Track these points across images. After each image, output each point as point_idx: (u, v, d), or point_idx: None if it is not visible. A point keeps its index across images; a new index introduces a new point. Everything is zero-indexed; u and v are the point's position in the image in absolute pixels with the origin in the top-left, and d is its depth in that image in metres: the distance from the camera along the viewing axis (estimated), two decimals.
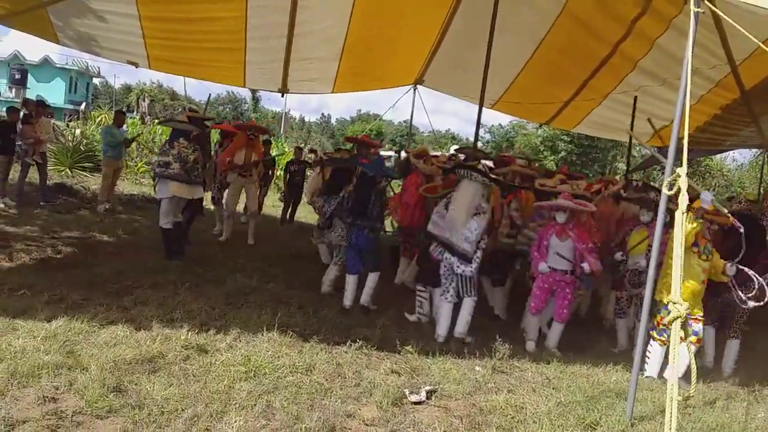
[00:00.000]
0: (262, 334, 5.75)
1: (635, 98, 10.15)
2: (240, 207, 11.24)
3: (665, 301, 5.71)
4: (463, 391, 5.18)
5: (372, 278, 7.41)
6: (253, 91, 48.17)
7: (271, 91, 11.36)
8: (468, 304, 6.66)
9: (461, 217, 6.59)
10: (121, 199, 13.04)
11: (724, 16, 4.63)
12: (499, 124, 37.00)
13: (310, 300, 7.31)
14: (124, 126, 13.27)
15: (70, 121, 23.14)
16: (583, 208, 6.94)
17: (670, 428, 2.65)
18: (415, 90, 12.59)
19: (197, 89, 62.81)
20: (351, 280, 7.34)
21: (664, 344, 6.08)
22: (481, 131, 29.55)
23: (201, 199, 9.29)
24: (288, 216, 13.55)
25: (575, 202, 6.85)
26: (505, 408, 4.90)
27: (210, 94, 16.00)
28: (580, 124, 12.85)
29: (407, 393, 4.94)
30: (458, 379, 5.43)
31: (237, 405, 4.33)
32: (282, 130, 38.45)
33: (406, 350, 5.89)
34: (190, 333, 5.54)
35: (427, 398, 4.95)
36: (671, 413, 2.66)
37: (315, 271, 8.62)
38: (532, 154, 24.28)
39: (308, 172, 13.10)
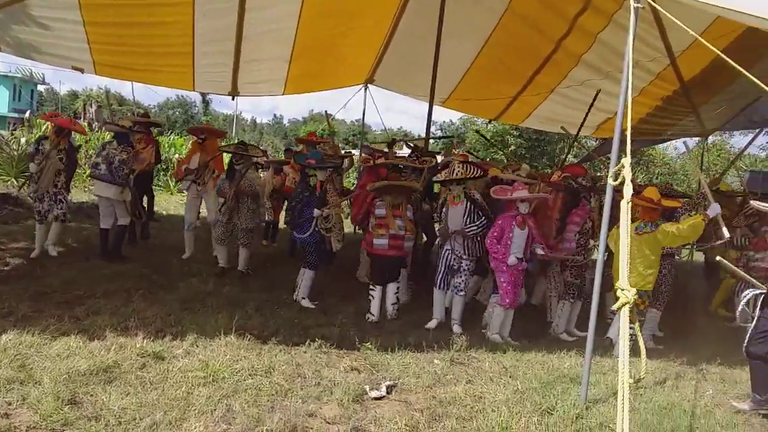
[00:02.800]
0: (220, 338, 5.72)
1: (597, 92, 10.39)
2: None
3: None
4: (422, 385, 5.26)
5: (306, 274, 7.49)
6: (203, 94, 47.55)
7: (221, 95, 11.26)
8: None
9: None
10: (70, 207, 12.68)
11: (663, 11, 4.79)
12: (450, 121, 37.41)
13: (268, 301, 7.30)
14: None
15: (14, 129, 22.46)
16: (545, 196, 7.30)
17: (623, 410, 2.76)
18: (366, 89, 12.64)
19: (146, 94, 61.81)
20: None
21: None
22: (433, 128, 29.76)
23: (149, 204, 9.24)
24: None
25: (531, 192, 7.03)
26: (464, 398, 4.99)
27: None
28: (528, 119, 13.12)
29: (368, 389, 4.99)
30: (417, 373, 5.51)
31: (196, 411, 4.30)
32: (233, 133, 38.03)
33: (366, 347, 5.94)
34: (145, 340, 5.47)
35: (388, 393, 5.01)
36: (623, 396, 2.77)
37: (271, 272, 8.60)
38: (482, 149, 24.56)
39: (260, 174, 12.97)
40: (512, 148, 26.02)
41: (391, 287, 7.29)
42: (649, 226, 6.51)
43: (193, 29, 8.62)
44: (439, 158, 9.70)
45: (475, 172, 7.27)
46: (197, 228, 9.62)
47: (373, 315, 7.18)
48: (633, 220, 6.42)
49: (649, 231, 6.47)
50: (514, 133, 25.99)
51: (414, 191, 7.43)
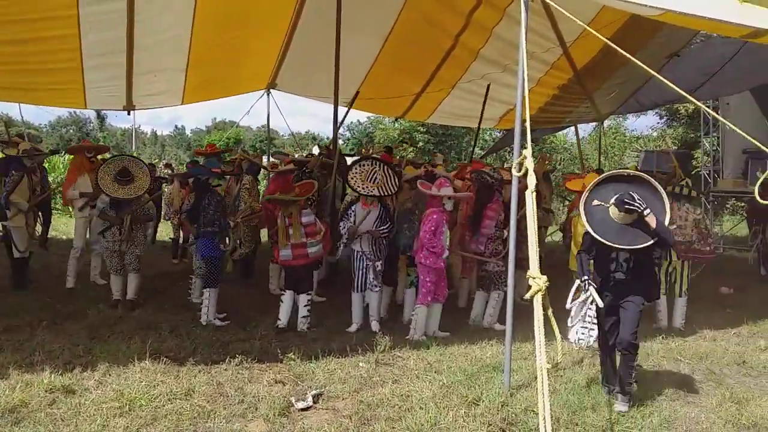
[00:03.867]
0: (134, 365, 5.47)
1: (488, 86, 10.63)
2: None
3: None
4: (349, 390, 5.21)
5: (211, 293, 7.23)
6: (98, 110, 45.49)
7: (116, 110, 10.76)
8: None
9: None
10: None
11: (552, 3, 4.93)
12: (358, 121, 37.42)
13: (183, 322, 7.04)
14: None
15: None
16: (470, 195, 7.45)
17: (543, 396, 2.80)
18: (268, 95, 12.45)
19: (36, 113, 58.51)
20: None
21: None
22: (342, 129, 29.72)
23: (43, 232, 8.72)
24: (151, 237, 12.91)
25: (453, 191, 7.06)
26: (391, 399, 4.98)
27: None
28: (433, 115, 13.31)
29: (293, 401, 4.90)
30: (343, 378, 5.45)
31: None
32: (133, 147, 36.64)
33: (289, 358, 5.82)
34: (53, 375, 5.17)
35: (314, 403, 4.93)
36: (542, 381, 2.81)
37: (184, 290, 8.30)
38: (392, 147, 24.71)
39: (165, 188, 12.52)
40: (420, 144, 26.34)
41: (302, 299, 7.07)
42: None
43: (80, 43, 8.18)
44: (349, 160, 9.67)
45: (392, 188, 7.33)
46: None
47: (281, 320, 6.99)
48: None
49: None
50: (421, 129, 26.31)
51: (294, 203, 7.04)
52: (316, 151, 12.71)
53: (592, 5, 7.01)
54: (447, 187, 6.89)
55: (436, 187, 6.87)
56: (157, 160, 21.18)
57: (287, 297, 7.07)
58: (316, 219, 7.22)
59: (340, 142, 11.16)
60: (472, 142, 27.29)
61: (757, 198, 4.17)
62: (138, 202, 7.71)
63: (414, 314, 6.94)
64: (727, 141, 15.57)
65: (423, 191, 7.01)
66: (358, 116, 38.55)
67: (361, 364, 5.86)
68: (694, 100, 5.43)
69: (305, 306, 7.06)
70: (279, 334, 6.76)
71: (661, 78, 4.90)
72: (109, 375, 5.31)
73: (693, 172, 16.50)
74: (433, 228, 6.70)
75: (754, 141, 4.64)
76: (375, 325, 7.08)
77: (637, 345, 5.02)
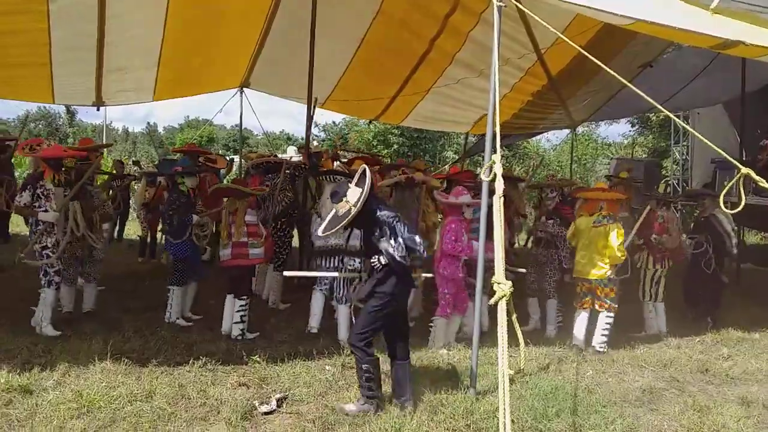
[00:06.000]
0: (94, 365, 5.35)
1: None
2: None
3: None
4: (314, 393, 5.15)
5: (175, 292, 7.15)
6: (67, 105, 44.74)
7: (85, 105, 10.58)
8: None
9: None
10: None
11: (526, 10, 4.94)
12: (333, 122, 37.29)
13: (148, 322, 6.92)
14: None
15: None
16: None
17: (504, 403, 2.79)
18: (242, 93, 12.35)
19: (2, 107, 57.34)
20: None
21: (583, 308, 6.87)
22: (315, 130, 29.64)
23: None
24: (116, 234, 12.71)
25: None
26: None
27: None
28: (407, 118, 13.29)
29: (257, 404, 4.83)
30: (309, 382, 5.38)
31: None
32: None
33: (254, 360, 5.74)
34: (10, 374, 5.05)
35: (278, 406, 4.86)
36: (503, 388, 2.80)
37: (152, 290, 8.17)
38: (366, 149, 24.72)
39: (134, 186, 12.32)
40: (395, 147, 26.37)
41: (236, 303, 6.70)
42: (607, 219, 6.78)
43: (49, 37, 8.02)
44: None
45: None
46: None
47: (223, 327, 6.78)
48: (591, 214, 6.87)
49: (606, 224, 6.73)
50: (396, 132, 26.34)
51: (248, 196, 6.83)
52: (291, 150, 12.62)
53: (566, 13, 7.06)
54: (465, 195, 6.80)
55: (455, 196, 6.79)
56: (126, 158, 20.84)
57: (228, 302, 6.79)
58: (259, 222, 7.00)
59: (315, 143, 11.08)
60: (447, 146, 27.51)
61: (722, 207, 4.22)
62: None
63: (432, 326, 6.77)
64: (697, 150, 15.81)
65: (442, 201, 6.96)
66: (333, 117, 38.42)
67: (327, 367, 5.80)
68: (664, 110, 5.48)
69: (238, 311, 6.68)
70: (226, 340, 6.57)
71: (633, 87, 4.94)
72: (69, 375, 5.20)
73: (662, 181, 16.73)
74: (454, 237, 6.59)
75: (720, 151, 4.71)
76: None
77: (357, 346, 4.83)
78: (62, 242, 6.51)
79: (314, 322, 6.96)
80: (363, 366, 4.78)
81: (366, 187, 4.66)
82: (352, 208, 4.64)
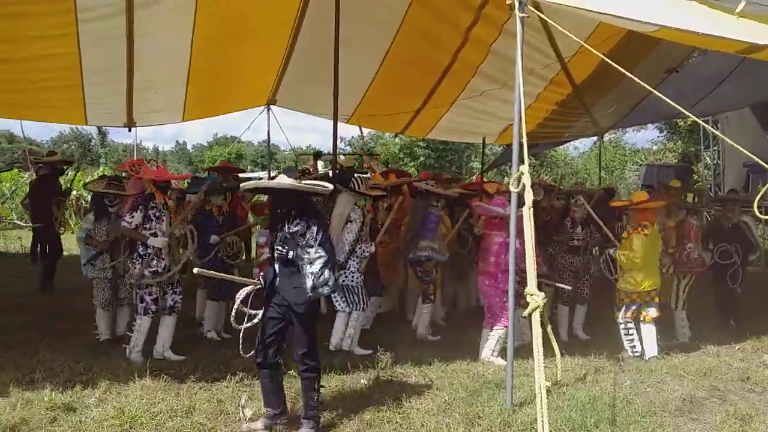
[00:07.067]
0: (134, 382, 5.45)
1: None
2: None
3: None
4: (350, 407, 5.17)
5: (209, 306, 7.38)
6: (99, 126, 45.63)
7: (117, 127, 10.79)
8: (341, 317, 6.83)
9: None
10: None
11: (549, 20, 4.95)
12: (359, 136, 37.39)
13: (184, 338, 7.01)
14: None
15: None
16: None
17: (542, 414, 2.79)
18: (268, 111, 12.49)
19: (38, 129, 58.70)
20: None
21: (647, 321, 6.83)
22: (342, 144, 29.73)
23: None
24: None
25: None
26: (392, 416, 4.95)
27: None
28: (432, 131, 13.32)
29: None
30: (344, 396, 5.42)
31: None
32: None
33: (291, 374, 5.78)
34: (54, 393, 5.16)
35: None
36: (541, 399, 2.80)
37: (186, 306, 8.26)
38: (392, 162, 24.84)
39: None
40: (421, 159, 26.41)
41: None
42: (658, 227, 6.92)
43: (80, 60, 8.22)
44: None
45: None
46: None
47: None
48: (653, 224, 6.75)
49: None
50: (422, 144, 26.40)
51: None
52: (320, 165, 12.71)
53: (589, 21, 7.05)
54: (508, 205, 6.77)
55: (502, 208, 6.66)
56: None
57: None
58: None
59: (341, 157, 11.15)
60: (473, 157, 27.46)
61: (756, 212, 4.16)
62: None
63: (491, 335, 6.71)
64: (728, 154, 15.59)
65: (485, 214, 6.98)
66: (358, 131, 38.40)
67: (362, 380, 5.83)
68: (691, 115, 5.43)
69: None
70: None
71: (659, 93, 4.92)
72: (110, 392, 5.30)
73: (695, 186, 16.51)
74: (505, 251, 6.42)
75: (752, 156, 4.64)
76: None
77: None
78: (174, 268, 6.44)
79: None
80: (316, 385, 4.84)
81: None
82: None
